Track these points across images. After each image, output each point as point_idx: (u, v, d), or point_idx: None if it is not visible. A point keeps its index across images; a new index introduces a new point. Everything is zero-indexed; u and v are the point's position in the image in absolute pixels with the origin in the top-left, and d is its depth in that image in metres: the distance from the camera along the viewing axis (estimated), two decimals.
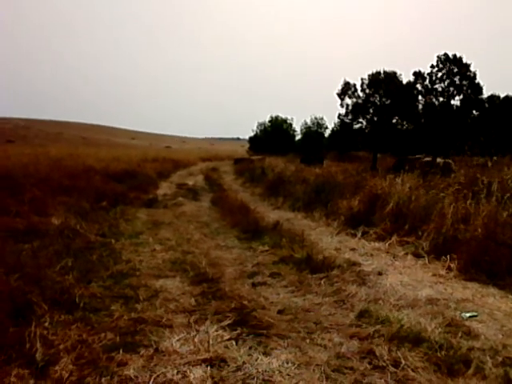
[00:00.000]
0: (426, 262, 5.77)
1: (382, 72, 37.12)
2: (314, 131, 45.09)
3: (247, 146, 49.64)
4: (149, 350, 3.18)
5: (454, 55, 36.43)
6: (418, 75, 37.02)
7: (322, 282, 4.91)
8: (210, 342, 3.28)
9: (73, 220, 7.37)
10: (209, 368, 2.94)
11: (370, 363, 3.07)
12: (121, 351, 3.11)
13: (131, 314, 3.83)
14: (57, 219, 7.37)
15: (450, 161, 12.63)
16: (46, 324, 3.44)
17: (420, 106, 37.28)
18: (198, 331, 3.49)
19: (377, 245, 6.76)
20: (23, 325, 3.35)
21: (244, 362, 3.03)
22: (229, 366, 2.99)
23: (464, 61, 36.33)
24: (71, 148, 28.06)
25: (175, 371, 2.90)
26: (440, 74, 36.66)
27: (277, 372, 2.92)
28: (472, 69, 36.15)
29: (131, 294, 4.35)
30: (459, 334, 3.52)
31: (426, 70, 37.01)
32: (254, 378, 2.85)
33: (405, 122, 37.41)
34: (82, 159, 18.25)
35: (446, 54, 36.57)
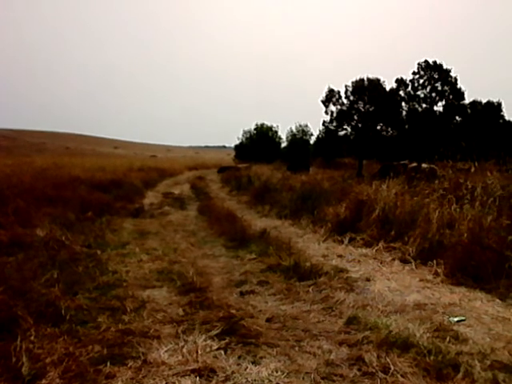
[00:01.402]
0: (413, 267, 5.81)
1: (365, 79, 37.43)
2: (299, 138, 45.23)
3: (233, 154, 49.62)
4: (137, 361, 3.15)
5: (435, 61, 36.91)
6: (401, 82, 37.43)
7: (310, 289, 4.91)
8: (199, 352, 3.25)
9: (58, 231, 7.27)
10: (198, 378, 2.92)
11: (359, 370, 3.07)
12: (108, 363, 3.07)
13: (118, 325, 3.79)
14: (42, 230, 7.27)
15: (435, 166, 12.74)
16: (32, 338, 3.39)
17: (404, 113, 37.67)
18: (186, 341, 3.47)
19: (364, 251, 6.78)
20: (8, 339, 3.29)
21: (233, 372, 3.01)
22: (218, 375, 2.97)
23: (444, 67, 36.85)
24: (55, 158, 27.80)
25: (164, 382, 2.88)
26: (422, 81, 37.11)
27: (266, 381, 2.91)
28: (452, 74, 36.68)
29: (118, 305, 4.30)
30: (447, 339, 3.54)
31: (409, 76, 37.49)
32: None
33: (389, 129, 37.74)
34: (67, 169, 18.12)
35: (426, 61, 37.04)
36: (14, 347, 3.14)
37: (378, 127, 37.55)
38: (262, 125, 47.08)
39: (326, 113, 38.31)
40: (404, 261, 6.07)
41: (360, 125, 37.42)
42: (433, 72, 36.81)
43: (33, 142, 66.50)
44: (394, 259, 6.21)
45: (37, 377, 2.86)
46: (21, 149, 51.88)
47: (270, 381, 2.91)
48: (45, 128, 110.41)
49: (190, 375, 2.96)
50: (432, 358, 3.18)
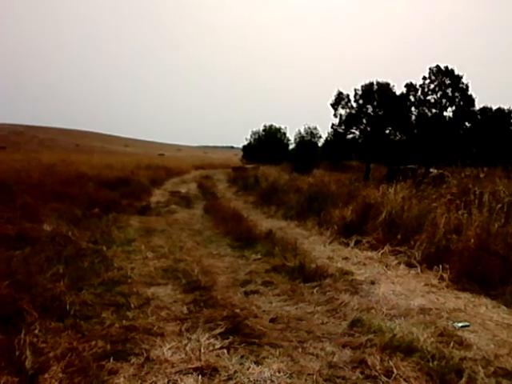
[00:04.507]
0: (419, 271, 5.77)
1: (375, 83, 37.32)
2: (307, 140, 45.13)
3: (241, 154, 49.62)
4: (140, 358, 3.16)
5: (446, 67, 36.71)
6: (410, 87, 37.28)
7: (315, 290, 4.90)
8: (202, 350, 3.26)
9: (65, 227, 7.32)
10: (200, 377, 2.92)
11: (362, 373, 3.06)
12: (111, 359, 3.09)
13: (122, 321, 3.80)
14: (48, 226, 7.32)
15: (443, 171, 12.68)
16: (36, 331, 3.41)
17: (413, 117, 37.51)
18: (189, 339, 3.47)
19: (369, 254, 6.75)
20: (13, 332, 3.32)
21: (236, 371, 3.01)
22: (220, 374, 2.97)
23: (456, 73, 36.68)
24: (64, 155, 27.94)
25: (166, 380, 2.88)
26: (432, 86, 36.94)
27: (268, 381, 2.90)
28: (464, 81, 36.49)
29: (122, 301, 4.32)
30: (451, 344, 3.52)
31: (419, 81, 37.33)
32: None
33: (398, 133, 37.59)
34: (75, 166, 18.23)
35: (437, 66, 36.85)
36: (17, 341, 3.16)
37: (387, 131, 37.42)
38: (271, 126, 47.02)
39: (335, 116, 38.20)
40: (409, 265, 6.04)
41: (368, 128, 37.32)
42: (444, 77, 36.65)
43: (43, 138, 66.84)
44: (399, 263, 6.18)
45: (40, 371, 2.88)
46: (31, 145, 52.21)
47: (273, 381, 2.91)
48: (56, 125, 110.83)
49: (192, 373, 2.96)
50: (435, 362, 3.16)
